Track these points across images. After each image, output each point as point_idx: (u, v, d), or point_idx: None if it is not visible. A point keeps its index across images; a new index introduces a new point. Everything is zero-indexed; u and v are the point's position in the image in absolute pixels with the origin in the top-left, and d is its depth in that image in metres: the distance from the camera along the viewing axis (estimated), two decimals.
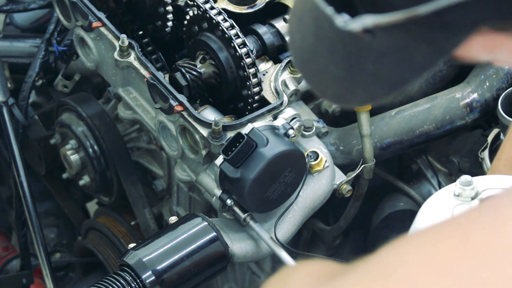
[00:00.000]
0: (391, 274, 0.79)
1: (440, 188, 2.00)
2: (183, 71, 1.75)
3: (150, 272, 1.59)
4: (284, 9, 1.86)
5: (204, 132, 1.68)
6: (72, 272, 2.55)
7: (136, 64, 1.80)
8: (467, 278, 0.76)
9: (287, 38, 1.83)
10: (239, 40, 1.71)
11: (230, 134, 1.64)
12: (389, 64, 0.86)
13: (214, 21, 1.73)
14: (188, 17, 1.80)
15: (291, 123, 1.67)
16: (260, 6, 1.88)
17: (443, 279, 0.76)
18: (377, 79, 0.88)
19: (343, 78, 0.90)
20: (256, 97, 1.74)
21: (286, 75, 1.78)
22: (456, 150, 1.96)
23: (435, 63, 0.85)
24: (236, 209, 1.67)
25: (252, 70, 1.71)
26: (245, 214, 1.66)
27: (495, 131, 1.83)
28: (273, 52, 1.83)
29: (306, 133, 1.74)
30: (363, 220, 2.08)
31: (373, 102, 0.94)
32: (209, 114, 1.74)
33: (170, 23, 1.87)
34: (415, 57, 0.84)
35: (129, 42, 1.81)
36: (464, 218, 0.83)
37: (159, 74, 1.75)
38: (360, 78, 0.89)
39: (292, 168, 1.63)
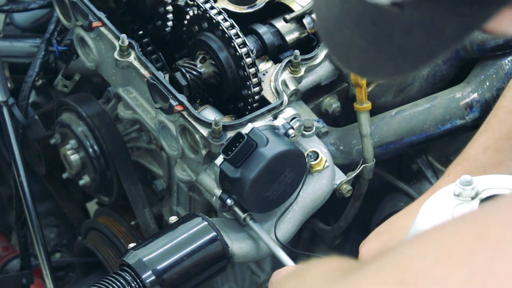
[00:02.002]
0: (407, 266, 0.79)
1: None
2: (183, 71, 1.75)
3: (150, 272, 1.59)
4: (284, 9, 1.86)
5: (204, 132, 1.68)
6: (72, 272, 2.55)
7: (136, 64, 1.80)
8: (483, 269, 0.75)
9: (287, 38, 1.84)
10: (239, 40, 1.71)
11: (230, 134, 1.64)
12: (416, 37, 0.85)
13: (214, 20, 1.73)
14: (188, 17, 1.80)
15: (291, 123, 1.67)
16: (260, 6, 1.88)
17: (459, 271, 0.76)
18: (405, 52, 0.86)
19: (370, 51, 0.89)
20: (256, 97, 1.74)
21: (286, 75, 1.78)
22: (456, 150, 1.95)
23: (464, 36, 0.84)
24: (236, 209, 1.67)
25: (252, 70, 1.72)
26: (245, 214, 1.66)
27: None
28: (273, 52, 1.83)
29: (306, 133, 1.74)
30: (363, 220, 2.08)
31: (400, 76, 0.93)
32: (209, 114, 1.74)
33: (170, 23, 1.87)
34: (443, 31, 0.83)
35: (129, 42, 1.81)
36: (481, 212, 0.83)
37: (159, 74, 1.75)
38: (387, 51, 0.88)
39: (292, 168, 1.63)
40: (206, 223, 1.66)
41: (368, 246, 1.34)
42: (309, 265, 1.01)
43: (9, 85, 2.20)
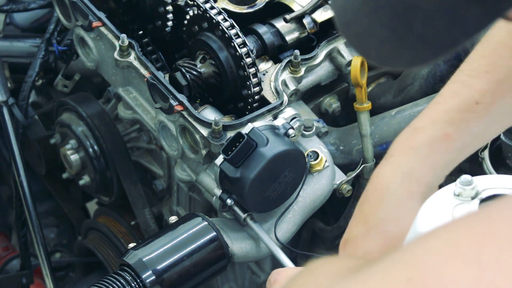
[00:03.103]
0: (416, 264, 0.79)
1: (440, 188, 1.99)
2: (183, 71, 1.75)
3: (150, 271, 1.59)
4: (284, 9, 1.86)
5: (204, 131, 1.68)
6: (72, 272, 2.55)
7: (136, 64, 1.80)
8: (492, 267, 0.75)
9: (287, 38, 1.84)
10: (239, 40, 1.71)
11: (230, 134, 1.64)
12: (438, 25, 0.83)
13: (214, 20, 1.73)
14: (188, 17, 1.80)
15: (291, 123, 1.67)
16: (260, 6, 1.88)
17: (468, 268, 0.76)
18: (425, 40, 0.85)
19: (389, 40, 0.87)
20: (256, 97, 1.74)
21: (286, 75, 1.78)
22: None
23: (488, 24, 0.82)
24: (236, 208, 1.67)
25: (252, 70, 1.72)
26: (245, 214, 1.66)
27: None
28: (273, 52, 1.83)
29: (306, 133, 1.74)
30: None
31: (421, 65, 0.92)
32: (209, 113, 1.74)
33: (170, 23, 1.87)
34: (466, 18, 0.81)
35: (129, 42, 1.81)
36: (489, 210, 0.82)
37: (159, 74, 1.75)
38: (407, 40, 0.86)
39: (292, 168, 1.63)
40: (206, 223, 1.66)
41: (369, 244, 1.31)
42: (316, 266, 1.01)
43: (9, 85, 2.20)
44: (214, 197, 1.68)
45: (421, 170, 1.28)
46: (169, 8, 1.85)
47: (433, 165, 1.28)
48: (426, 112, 1.32)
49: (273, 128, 1.64)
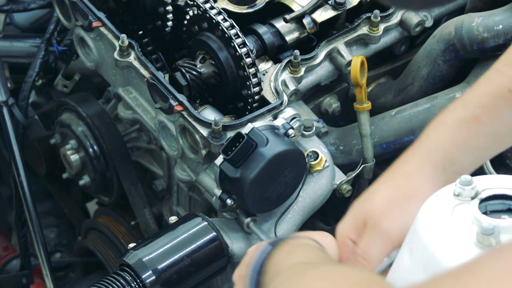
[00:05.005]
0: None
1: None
2: (183, 71, 1.75)
3: (150, 271, 1.59)
4: (284, 9, 1.86)
5: (204, 132, 1.68)
6: (72, 272, 2.55)
7: (136, 64, 1.80)
8: None
9: (287, 38, 1.84)
10: (239, 40, 1.71)
11: (230, 134, 1.64)
12: None
13: (214, 21, 1.73)
14: (188, 17, 1.80)
15: (291, 123, 1.67)
16: (260, 6, 1.88)
17: None
18: None
19: None
20: (256, 97, 1.74)
21: (286, 75, 1.78)
22: None
23: None
24: (239, 213, 1.68)
25: (252, 70, 1.72)
26: (248, 219, 1.67)
27: None
28: (273, 52, 1.83)
29: (306, 133, 1.74)
30: None
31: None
32: (209, 114, 1.74)
33: (170, 23, 1.87)
34: None
35: (129, 42, 1.81)
36: None
37: (159, 74, 1.75)
38: None
39: (292, 168, 1.63)
40: (206, 223, 1.66)
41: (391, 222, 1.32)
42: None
43: (9, 85, 2.20)
44: (214, 197, 1.68)
45: (446, 144, 1.28)
46: (169, 8, 1.85)
47: (460, 143, 1.28)
48: (460, 96, 1.34)
49: (273, 128, 1.64)
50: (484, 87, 1.31)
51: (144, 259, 1.60)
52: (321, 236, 1.27)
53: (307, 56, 1.81)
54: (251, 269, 1.16)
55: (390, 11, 1.88)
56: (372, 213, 1.27)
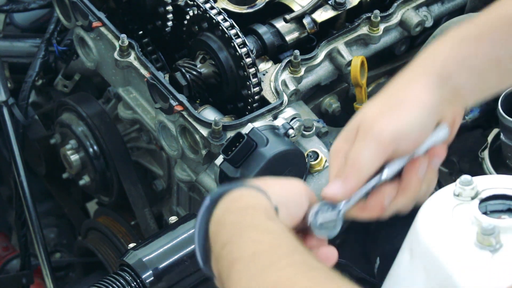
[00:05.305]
0: None
1: (440, 188, 1.99)
2: (183, 71, 1.75)
3: (150, 272, 1.59)
4: (284, 9, 1.86)
5: (204, 132, 1.68)
6: (72, 272, 2.55)
7: (136, 64, 1.80)
8: None
9: (287, 38, 1.84)
10: (239, 40, 1.71)
11: (230, 134, 1.64)
12: None
13: (214, 21, 1.73)
14: (188, 17, 1.80)
15: (291, 123, 1.67)
16: (260, 6, 1.88)
17: None
18: None
19: None
20: (256, 97, 1.74)
21: (286, 75, 1.78)
22: (456, 150, 1.95)
23: None
24: None
25: (252, 70, 1.72)
26: None
27: (495, 131, 1.83)
28: (273, 52, 1.83)
29: (306, 133, 1.74)
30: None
31: None
32: (209, 114, 1.74)
33: (170, 23, 1.87)
34: None
35: (129, 42, 1.81)
36: None
37: (159, 74, 1.75)
38: None
39: (292, 168, 1.63)
40: None
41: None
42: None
43: (9, 85, 2.20)
44: None
45: (444, 58, 1.23)
46: (169, 8, 1.85)
47: (459, 59, 1.23)
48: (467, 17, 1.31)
49: (273, 128, 1.64)
50: (492, 11, 1.25)
51: (144, 259, 1.60)
52: (281, 186, 1.20)
53: (307, 56, 1.81)
54: (197, 226, 1.12)
55: (390, 11, 1.88)
56: (363, 120, 1.22)
